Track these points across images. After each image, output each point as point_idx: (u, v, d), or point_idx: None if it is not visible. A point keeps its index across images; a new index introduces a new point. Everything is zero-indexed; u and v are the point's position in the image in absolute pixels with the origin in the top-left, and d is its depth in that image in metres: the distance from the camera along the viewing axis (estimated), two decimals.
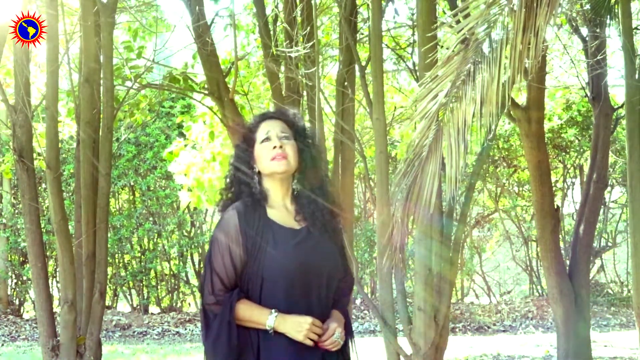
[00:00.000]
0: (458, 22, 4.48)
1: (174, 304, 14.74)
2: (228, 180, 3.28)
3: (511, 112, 8.42)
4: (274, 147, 3.17)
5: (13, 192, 14.34)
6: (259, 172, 3.21)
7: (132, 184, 14.41)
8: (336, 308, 3.26)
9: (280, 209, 3.20)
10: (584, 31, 9.11)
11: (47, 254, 12.30)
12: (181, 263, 14.78)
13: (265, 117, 3.32)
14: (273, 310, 3.05)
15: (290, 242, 3.11)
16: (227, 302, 3.08)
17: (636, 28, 8.98)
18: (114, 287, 14.69)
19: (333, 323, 3.14)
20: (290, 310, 3.06)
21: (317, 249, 3.16)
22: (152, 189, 14.33)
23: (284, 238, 3.11)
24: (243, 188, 3.20)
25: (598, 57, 8.53)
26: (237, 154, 3.28)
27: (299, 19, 7.66)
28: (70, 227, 6.64)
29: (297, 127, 3.29)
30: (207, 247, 14.90)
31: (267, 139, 3.20)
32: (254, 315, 3.07)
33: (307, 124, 3.43)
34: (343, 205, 3.41)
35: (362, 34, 8.49)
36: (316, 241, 3.17)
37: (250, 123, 3.34)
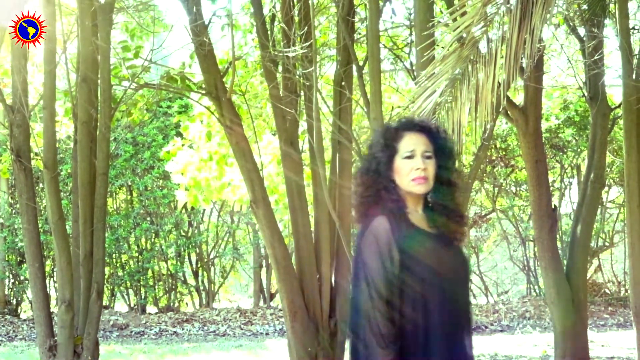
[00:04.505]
0: (455, 20, 4.48)
1: (172, 304, 14.74)
2: (367, 185, 3.22)
3: (508, 112, 8.42)
4: (417, 169, 3.15)
5: (10, 191, 14.34)
6: (394, 180, 3.19)
7: (129, 183, 14.41)
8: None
9: (414, 214, 3.19)
10: (582, 31, 9.11)
11: (45, 253, 12.27)
12: (178, 263, 14.77)
13: (410, 128, 3.24)
14: None
15: (436, 245, 3.14)
16: None
17: (633, 28, 8.98)
18: (112, 287, 14.67)
19: None
20: (444, 308, 3.08)
21: (456, 255, 3.22)
22: (149, 188, 14.33)
23: (430, 242, 3.13)
24: (383, 194, 3.17)
25: (595, 57, 8.52)
26: (378, 160, 3.21)
27: (296, 18, 7.67)
28: (67, 226, 6.65)
29: (438, 143, 3.24)
30: (204, 246, 14.95)
31: (411, 156, 3.16)
32: None
33: (447, 136, 3.36)
34: (466, 215, 3.42)
35: (360, 33, 8.49)
36: (454, 247, 3.22)
37: (394, 129, 3.25)
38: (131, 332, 13.35)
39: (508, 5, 4.24)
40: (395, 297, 3.04)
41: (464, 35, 4.42)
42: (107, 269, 13.47)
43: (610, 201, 14.83)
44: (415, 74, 6.71)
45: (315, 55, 6.88)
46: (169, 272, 14.76)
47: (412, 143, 3.18)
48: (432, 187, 3.19)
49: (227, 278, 15.44)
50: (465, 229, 3.31)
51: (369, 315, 3.02)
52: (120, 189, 14.72)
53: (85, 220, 6.31)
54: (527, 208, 14.24)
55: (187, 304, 15.14)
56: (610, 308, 14.13)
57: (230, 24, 7.86)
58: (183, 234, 14.72)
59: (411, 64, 8.26)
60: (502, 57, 4.18)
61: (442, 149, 3.24)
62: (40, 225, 7.62)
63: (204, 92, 7.54)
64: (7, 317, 14.00)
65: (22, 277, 14.19)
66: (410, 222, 3.13)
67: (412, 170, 3.15)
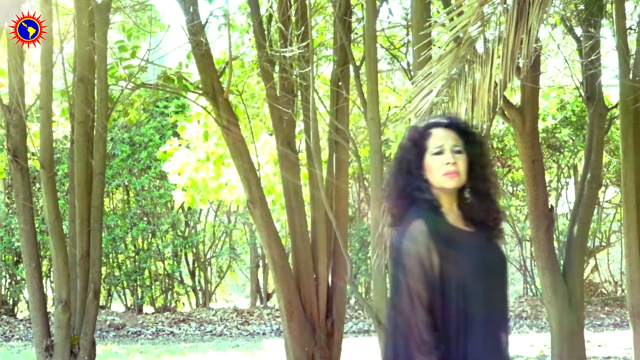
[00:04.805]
0: (451, 20, 4.49)
1: (168, 304, 14.74)
2: (400, 187, 3.18)
3: (505, 112, 8.42)
4: (447, 163, 3.11)
5: (7, 191, 14.32)
6: (426, 180, 3.15)
7: (126, 183, 14.41)
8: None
9: (450, 213, 3.15)
10: (578, 31, 9.11)
11: (41, 253, 12.26)
12: (175, 263, 14.77)
13: (437, 125, 3.21)
14: None
15: (475, 244, 3.10)
16: None
17: (630, 28, 8.98)
18: (108, 287, 14.67)
19: None
20: (485, 308, 3.03)
21: (495, 252, 3.19)
22: (146, 188, 14.32)
23: (469, 241, 3.09)
24: (416, 195, 3.13)
25: (592, 57, 8.53)
26: (409, 160, 3.18)
27: (293, 18, 7.66)
28: (64, 226, 6.64)
29: (468, 138, 3.21)
30: (201, 246, 14.95)
31: (440, 152, 3.12)
32: None
33: (476, 131, 3.34)
34: (500, 209, 3.38)
35: (357, 33, 8.50)
36: (492, 244, 3.19)
37: (422, 127, 3.23)
38: (128, 332, 13.35)
39: (505, 5, 4.24)
40: (436, 301, 3.00)
41: (461, 35, 4.42)
42: (103, 269, 13.46)
43: (607, 201, 14.85)
44: (412, 73, 6.70)
45: (312, 55, 6.88)
46: (165, 272, 14.76)
47: (440, 138, 3.15)
48: (464, 182, 3.15)
49: (223, 278, 15.44)
50: (502, 224, 3.26)
51: (410, 322, 2.98)
52: (117, 189, 14.71)
53: (82, 220, 6.31)
54: (523, 208, 14.25)
55: (183, 304, 15.13)
56: (607, 308, 14.15)
57: (227, 24, 7.86)
58: (180, 234, 14.72)
59: (408, 63, 8.25)
60: (498, 57, 4.18)
61: (472, 143, 3.20)
62: (37, 225, 7.62)
63: (200, 92, 7.54)
64: (4, 317, 13.99)
65: (18, 277, 14.18)
66: (447, 222, 3.09)
67: (442, 165, 3.10)
